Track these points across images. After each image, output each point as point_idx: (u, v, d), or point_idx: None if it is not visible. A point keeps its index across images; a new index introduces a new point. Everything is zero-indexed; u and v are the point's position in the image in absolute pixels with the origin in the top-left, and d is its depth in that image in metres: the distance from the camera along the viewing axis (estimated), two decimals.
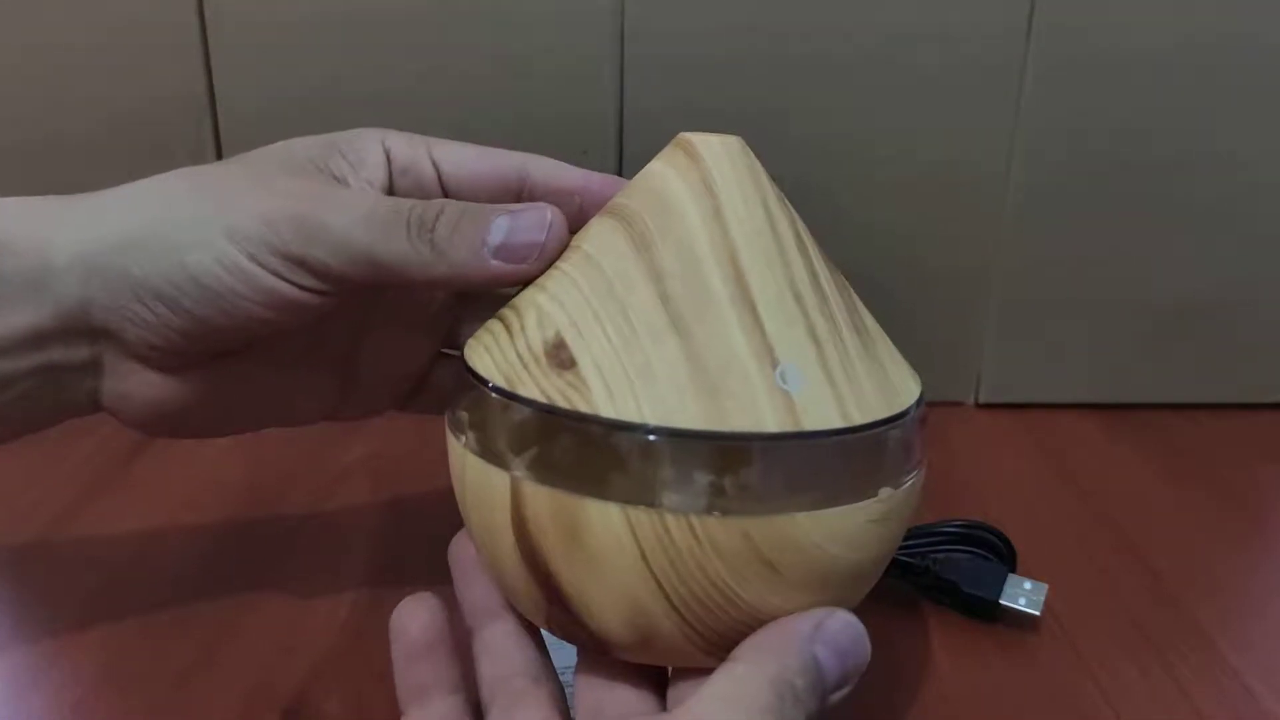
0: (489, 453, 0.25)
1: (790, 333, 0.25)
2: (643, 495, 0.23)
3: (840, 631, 0.25)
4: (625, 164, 0.49)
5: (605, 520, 0.23)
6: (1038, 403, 0.54)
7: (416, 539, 0.42)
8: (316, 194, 0.29)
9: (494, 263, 0.28)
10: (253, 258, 0.28)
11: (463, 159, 0.33)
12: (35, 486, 0.45)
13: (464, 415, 0.27)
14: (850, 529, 0.24)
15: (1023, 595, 0.37)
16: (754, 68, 0.48)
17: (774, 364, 0.24)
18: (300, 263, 0.28)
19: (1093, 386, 0.54)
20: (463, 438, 0.26)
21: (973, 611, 0.37)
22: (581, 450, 0.23)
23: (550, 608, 0.26)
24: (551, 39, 0.47)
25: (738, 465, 0.23)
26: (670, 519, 0.23)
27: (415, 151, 0.33)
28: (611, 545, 0.23)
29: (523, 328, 0.26)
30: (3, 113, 0.48)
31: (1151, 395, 0.54)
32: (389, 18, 0.47)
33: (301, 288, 0.29)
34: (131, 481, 0.46)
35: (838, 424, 0.24)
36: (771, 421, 0.23)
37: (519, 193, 0.33)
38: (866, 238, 0.51)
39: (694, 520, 0.23)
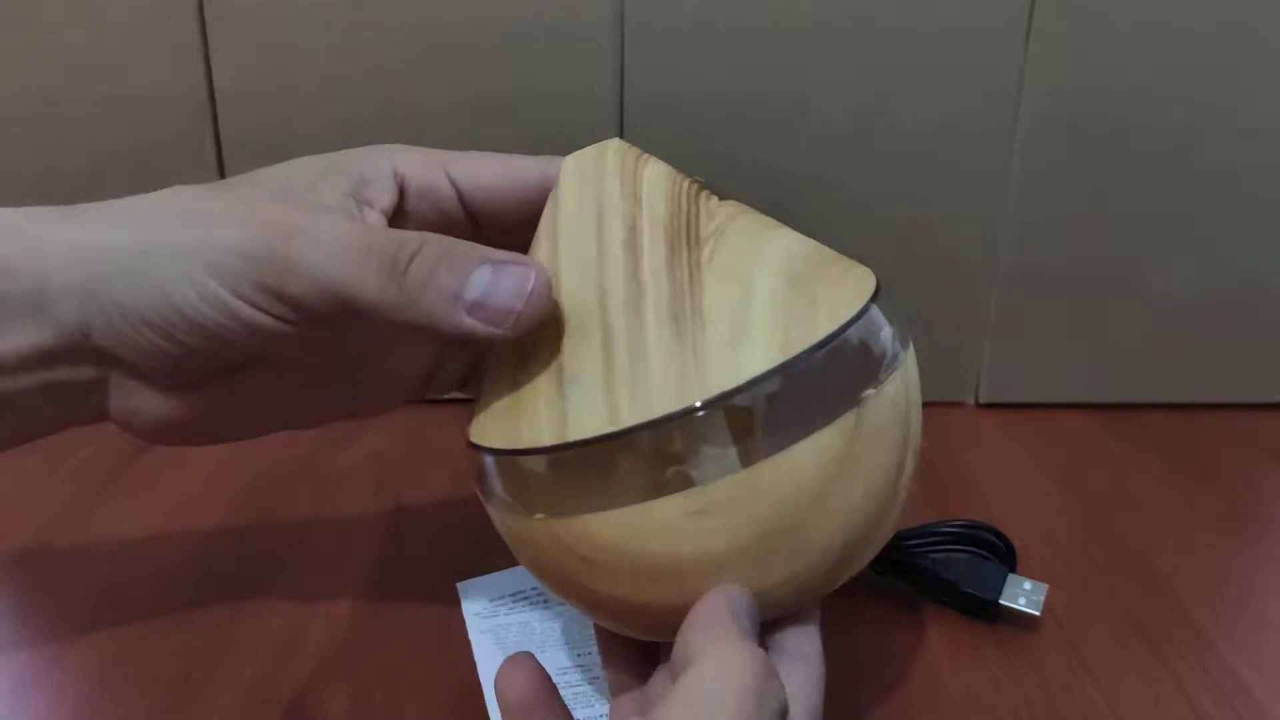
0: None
1: (583, 346, 0.26)
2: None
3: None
4: None
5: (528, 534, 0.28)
6: (1038, 403, 0.54)
7: (417, 539, 0.42)
8: (293, 225, 0.28)
9: (467, 320, 0.27)
10: (234, 291, 0.28)
11: (482, 175, 0.32)
12: (37, 489, 0.45)
13: None
14: (652, 524, 0.25)
15: (1023, 595, 0.37)
16: (754, 63, 0.48)
17: (561, 381, 0.26)
18: (277, 296, 0.28)
19: (1093, 386, 0.54)
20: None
21: (973, 611, 0.37)
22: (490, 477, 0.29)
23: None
24: (552, 31, 0.47)
25: (519, 476, 0.27)
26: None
27: (431, 172, 0.32)
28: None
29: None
30: (2, 112, 0.48)
31: (1151, 395, 0.54)
32: (389, 16, 0.47)
33: (281, 319, 0.28)
34: (132, 484, 0.46)
35: (605, 430, 0.25)
36: (547, 436, 0.26)
37: (544, 200, 0.32)
38: (866, 237, 0.51)
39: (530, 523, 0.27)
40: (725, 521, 0.25)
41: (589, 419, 0.25)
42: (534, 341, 0.27)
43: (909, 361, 0.29)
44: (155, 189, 0.52)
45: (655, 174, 0.29)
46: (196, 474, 0.47)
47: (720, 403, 0.25)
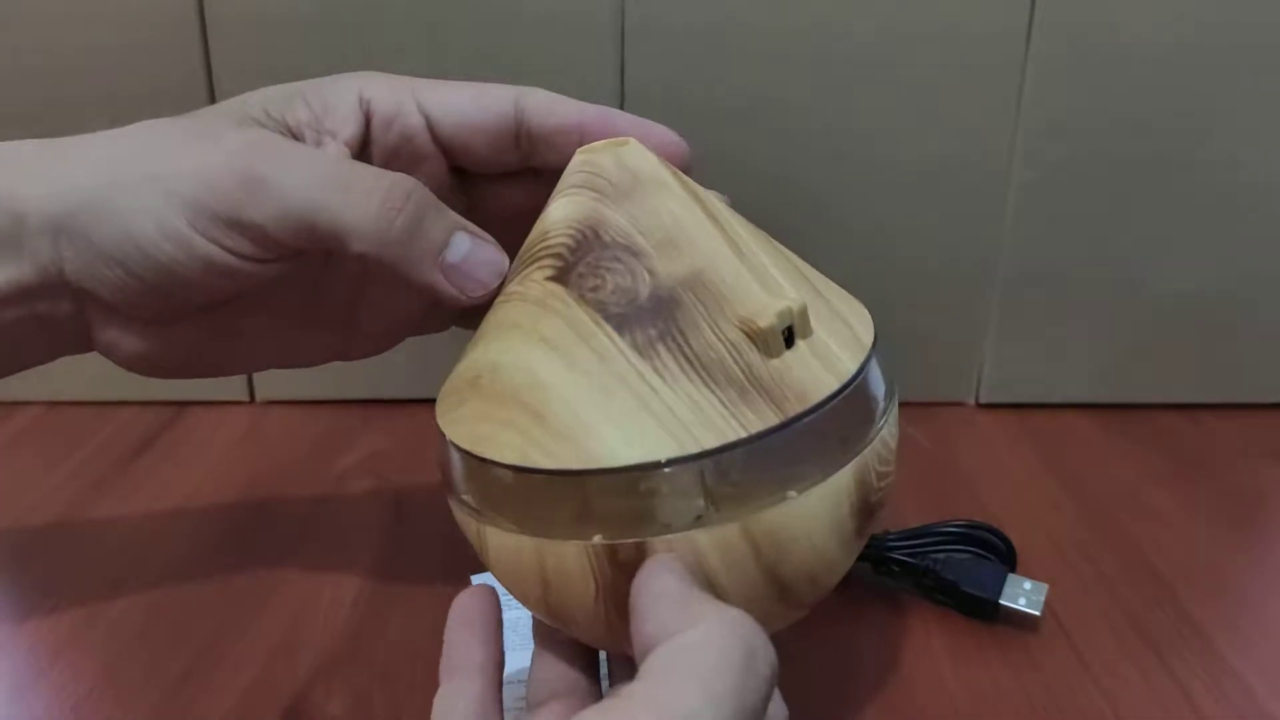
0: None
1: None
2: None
3: None
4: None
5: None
6: (1038, 403, 0.54)
7: (418, 539, 0.42)
8: (263, 149, 0.27)
9: (439, 277, 0.28)
10: (191, 224, 0.27)
11: (454, 105, 0.31)
12: (36, 487, 0.45)
13: None
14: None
15: (1023, 595, 0.37)
16: (754, 65, 0.48)
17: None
18: (235, 227, 0.27)
19: (1093, 386, 0.54)
20: None
21: (973, 611, 0.37)
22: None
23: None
24: (552, 31, 0.47)
25: (485, 479, 0.26)
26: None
27: (400, 98, 0.31)
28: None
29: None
30: (2, 111, 0.48)
31: (1151, 395, 0.54)
32: (389, 16, 0.47)
33: (241, 255, 0.28)
34: (131, 483, 0.46)
35: (668, 455, 0.23)
36: (599, 457, 0.24)
37: (517, 136, 0.31)
38: (867, 237, 0.51)
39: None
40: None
41: (651, 449, 0.24)
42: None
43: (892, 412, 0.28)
44: None
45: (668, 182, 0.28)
46: (196, 474, 0.47)
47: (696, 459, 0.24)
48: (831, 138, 0.49)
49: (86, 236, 0.28)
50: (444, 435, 0.27)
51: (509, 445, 0.25)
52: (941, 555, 0.38)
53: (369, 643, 0.36)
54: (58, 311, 0.29)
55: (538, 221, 0.28)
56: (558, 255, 0.27)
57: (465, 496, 0.26)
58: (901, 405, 0.52)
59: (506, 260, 0.28)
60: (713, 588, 0.24)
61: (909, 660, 0.35)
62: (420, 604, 0.38)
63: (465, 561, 0.39)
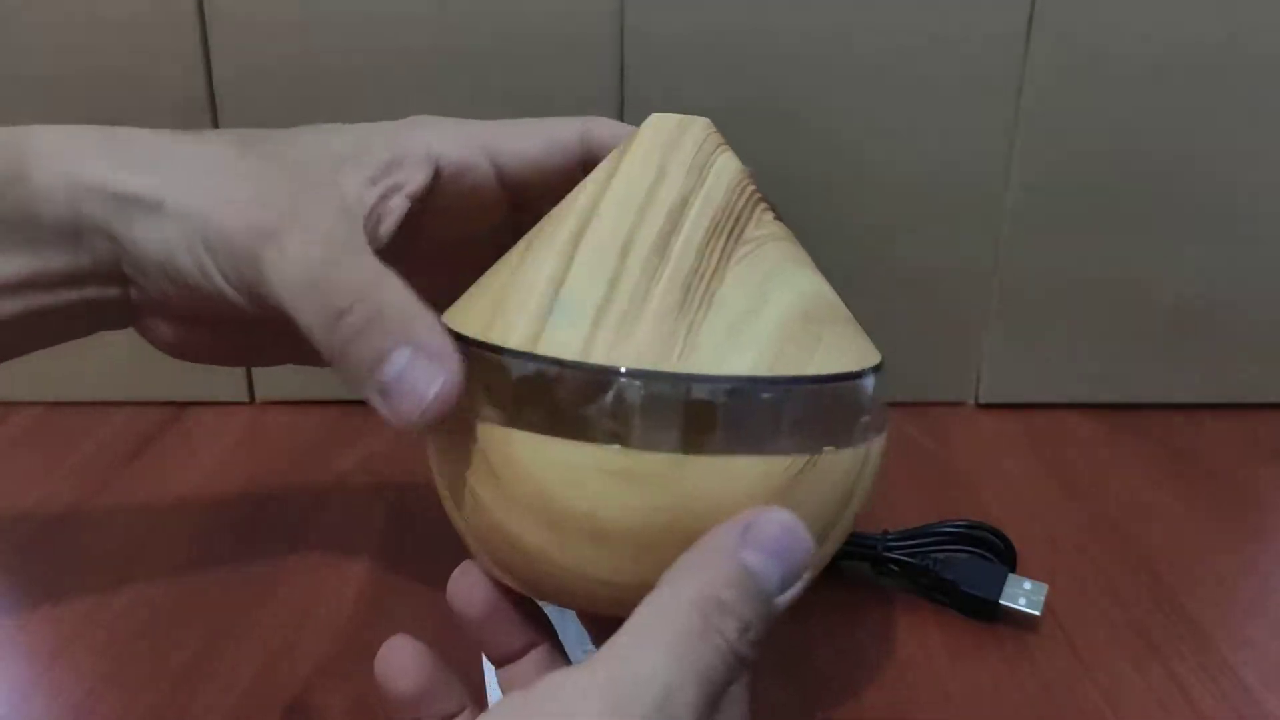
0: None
1: (589, 276, 0.26)
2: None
3: (768, 529, 0.23)
4: None
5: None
6: (1038, 403, 0.54)
7: (418, 539, 0.42)
8: (274, 228, 0.28)
9: (375, 398, 0.26)
10: (220, 272, 0.29)
11: (528, 154, 0.31)
12: (36, 487, 0.45)
13: None
14: (564, 463, 0.25)
15: (1022, 595, 0.37)
16: (755, 66, 0.48)
17: (556, 294, 0.25)
18: (243, 289, 0.29)
19: (1093, 386, 0.54)
20: None
21: (973, 611, 0.37)
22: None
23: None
24: (552, 32, 0.47)
25: (488, 375, 0.25)
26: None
27: (469, 152, 0.31)
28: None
29: None
30: (2, 112, 0.48)
31: (1151, 395, 0.54)
32: (389, 17, 0.47)
33: (245, 298, 0.29)
34: (131, 483, 0.46)
35: (574, 358, 0.24)
36: (515, 339, 0.25)
37: (584, 166, 0.31)
38: (867, 237, 0.51)
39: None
40: (638, 495, 0.24)
41: (563, 341, 0.25)
42: (545, 246, 0.27)
43: (877, 447, 0.28)
44: None
45: (726, 164, 0.29)
46: (195, 474, 0.47)
47: (690, 384, 0.24)
48: (831, 140, 0.49)
49: (135, 243, 0.29)
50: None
51: None
52: (941, 555, 0.38)
53: (369, 643, 0.36)
54: (106, 294, 0.31)
55: (713, 173, 0.28)
56: (763, 199, 0.29)
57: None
58: (901, 405, 0.53)
59: (444, 378, 0.25)
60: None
61: (908, 660, 0.35)
62: (420, 604, 0.38)
63: (464, 561, 0.39)
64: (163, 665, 0.34)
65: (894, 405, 0.54)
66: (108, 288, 0.31)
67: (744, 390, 0.25)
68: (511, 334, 0.25)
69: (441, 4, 0.46)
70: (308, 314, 0.27)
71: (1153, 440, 0.51)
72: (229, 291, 0.29)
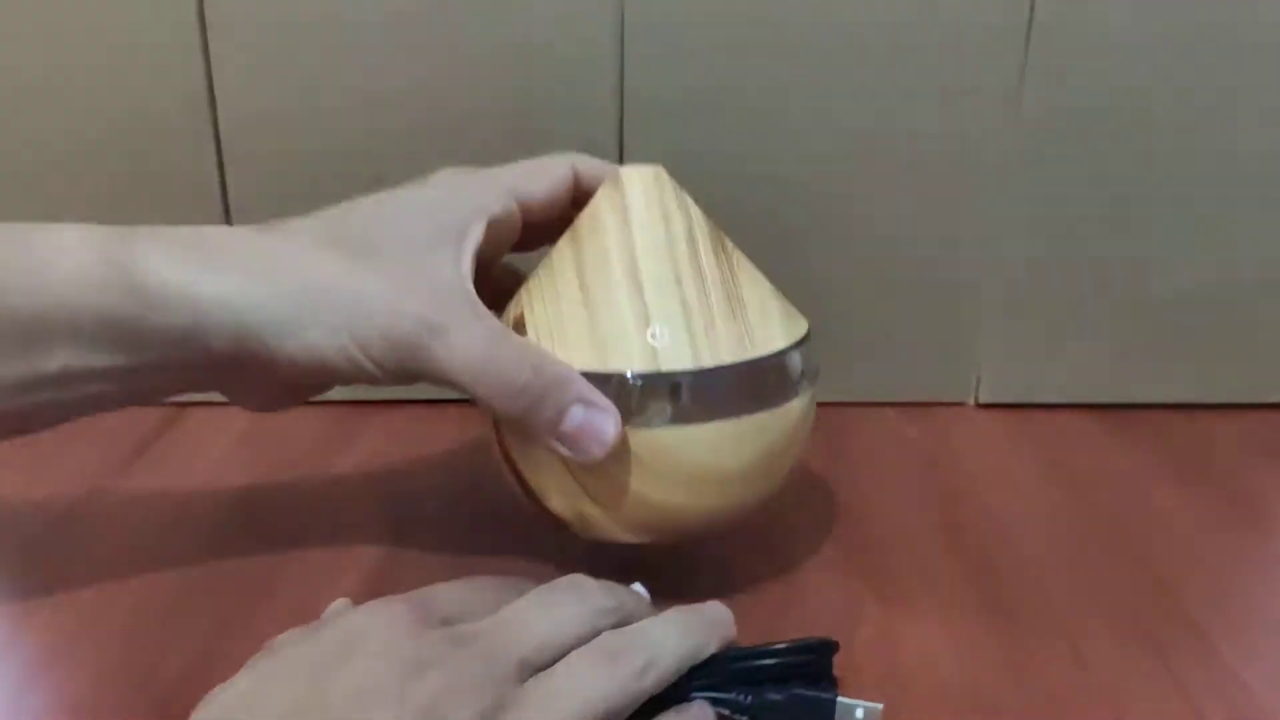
0: None
1: (665, 304, 0.34)
2: None
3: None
4: (625, 154, 0.49)
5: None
6: (1038, 403, 0.54)
7: (418, 538, 0.42)
8: (435, 324, 0.33)
9: (555, 442, 0.33)
10: (377, 364, 0.33)
11: (537, 194, 0.37)
12: (36, 487, 0.45)
13: None
14: (709, 440, 0.34)
15: None
16: (754, 63, 0.48)
17: (648, 324, 0.34)
18: (411, 374, 0.34)
19: (1093, 386, 0.54)
20: None
21: None
22: None
23: (524, 496, 0.37)
24: (551, 33, 0.47)
25: (614, 393, 0.34)
26: None
27: (507, 202, 0.36)
28: (545, 459, 0.35)
29: (506, 312, 0.37)
30: (3, 113, 0.48)
31: (1151, 395, 0.54)
32: (389, 17, 0.47)
33: (400, 380, 0.34)
34: (132, 483, 0.46)
35: (689, 366, 0.34)
36: (639, 363, 0.34)
37: (577, 195, 0.38)
38: (867, 237, 0.51)
39: None
40: (748, 444, 0.35)
41: (677, 358, 0.34)
42: (608, 293, 0.35)
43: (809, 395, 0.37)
44: (154, 189, 0.52)
45: (687, 197, 0.37)
46: (195, 474, 0.47)
47: (774, 358, 0.35)
48: (832, 137, 0.49)
49: (266, 345, 0.33)
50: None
51: None
52: (757, 702, 0.31)
53: None
54: (207, 377, 0.36)
55: (689, 206, 0.37)
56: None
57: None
58: (901, 405, 0.53)
59: (615, 428, 0.33)
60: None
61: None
62: None
63: (465, 561, 0.39)
64: (163, 665, 0.34)
65: (894, 405, 0.54)
66: (213, 373, 0.35)
67: (786, 353, 0.36)
68: (633, 362, 0.34)
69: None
70: (488, 389, 0.33)
71: (1153, 440, 0.51)
72: (377, 374, 0.34)
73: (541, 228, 0.38)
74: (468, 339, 0.33)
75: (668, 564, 0.39)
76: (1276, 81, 0.48)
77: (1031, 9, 0.47)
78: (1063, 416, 0.53)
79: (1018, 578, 0.40)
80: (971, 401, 0.54)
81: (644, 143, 0.49)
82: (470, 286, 0.34)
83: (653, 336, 0.34)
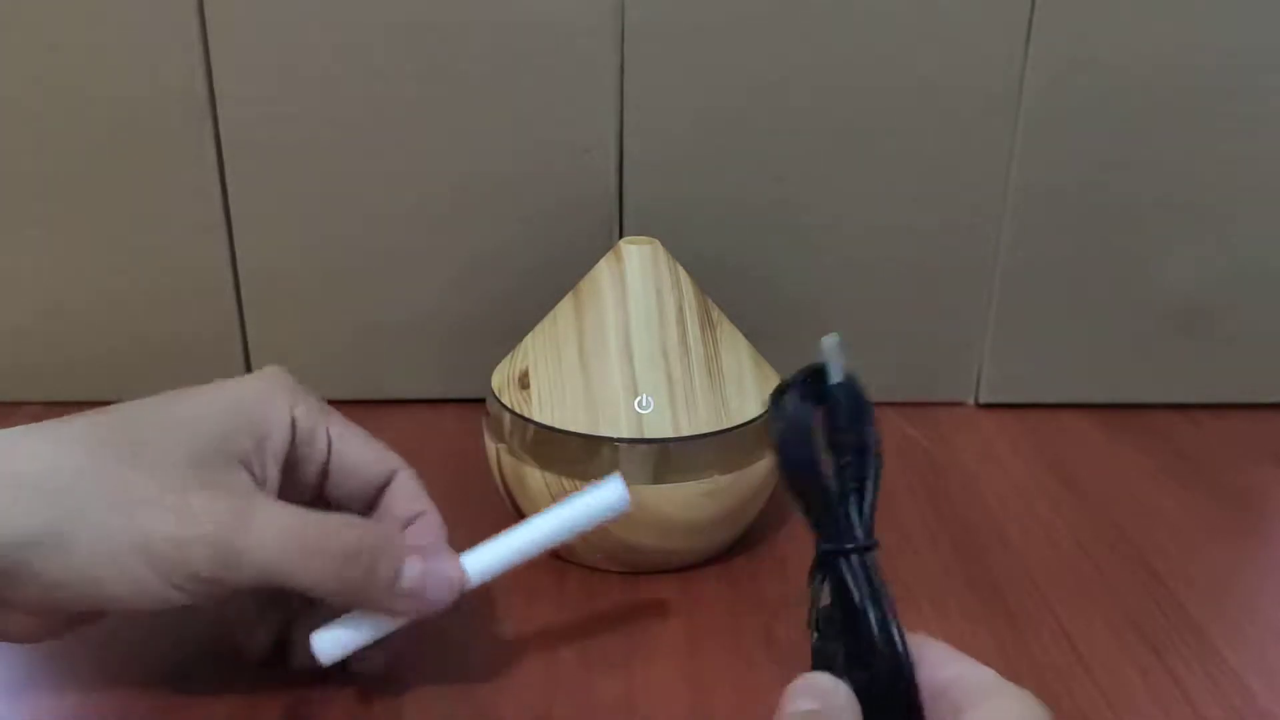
0: (493, 434, 0.41)
1: (652, 375, 0.38)
2: (554, 467, 0.38)
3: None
4: (625, 162, 0.49)
5: (534, 478, 0.39)
6: (1038, 403, 0.54)
7: None
8: (231, 517, 0.29)
9: (399, 603, 0.31)
10: (167, 579, 0.28)
11: (351, 442, 0.35)
12: None
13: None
14: (683, 497, 0.38)
15: None
16: (754, 66, 0.48)
17: (636, 394, 0.38)
18: (212, 583, 0.29)
19: (1093, 386, 0.54)
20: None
21: None
22: (524, 437, 0.39)
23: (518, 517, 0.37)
24: (551, 38, 0.47)
25: (602, 453, 0.38)
26: (566, 482, 0.38)
27: (315, 423, 0.34)
28: (538, 493, 0.39)
29: (513, 358, 0.42)
30: (3, 112, 0.48)
31: (1151, 395, 0.54)
32: (388, 16, 0.47)
33: (198, 595, 0.29)
34: None
35: (669, 434, 0.37)
36: (625, 429, 0.38)
37: (379, 493, 0.35)
38: (867, 238, 0.51)
39: (578, 483, 0.37)
40: (714, 502, 0.39)
41: (658, 427, 0.38)
42: (604, 362, 0.39)
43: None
44: (154, 189, 0.52)
45: (681, 272, 0.41)
46: None
47: (746, 426, 0.39)
48: (832, 137, 0.49)
49: (29, 565, 0.27)
50: None
51: None
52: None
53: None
54: None
55: (682, 282, 0.41)
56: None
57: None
58: (901, 405, 0.53)
59: (460, 574, 0.32)
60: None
61: None
62: None
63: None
64: (163, 666, 0.34)
65: (894, 405, 0.54)
66: None
67: (758, 421, 0.39)
68: (618, 427, 0.38)
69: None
70: (315, 575, 0.30)
71: (1153, 440, 0.51)
72: (172, 594, 0.28)
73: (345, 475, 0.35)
74: (274, 521, 0.30)
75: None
76: (1275, 84, 0.48)
77: (1032, 9, 0.47)
78: (1063, 416, 0.53)
79: (1017, 577, 0.40)
80: (971, 401, 0.54)
81: (644, 142, 0.49)
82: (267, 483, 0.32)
83: (639, 405, 0.38)
